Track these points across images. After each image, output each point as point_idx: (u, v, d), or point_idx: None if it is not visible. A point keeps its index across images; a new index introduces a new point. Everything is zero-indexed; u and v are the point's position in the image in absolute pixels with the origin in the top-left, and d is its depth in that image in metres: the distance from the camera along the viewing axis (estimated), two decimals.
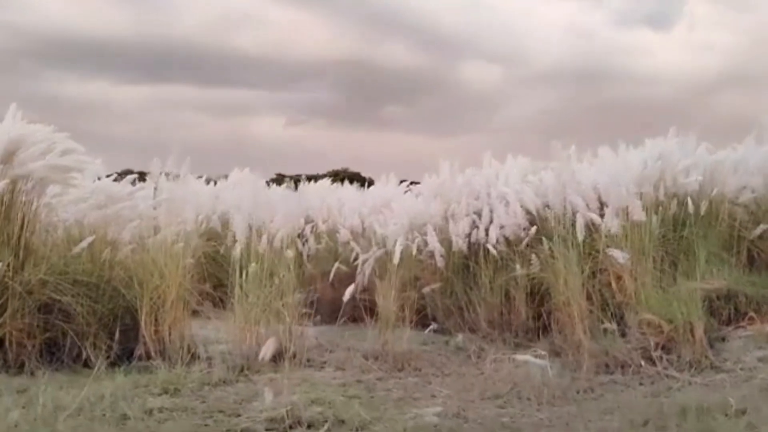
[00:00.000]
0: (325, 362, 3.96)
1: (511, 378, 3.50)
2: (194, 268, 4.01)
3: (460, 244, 5.66)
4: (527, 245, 5.23)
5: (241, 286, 3.91)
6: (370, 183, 8.97)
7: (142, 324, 3.78)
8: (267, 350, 3.05)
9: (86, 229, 3.89)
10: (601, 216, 4.63)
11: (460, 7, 18.10)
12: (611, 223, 4.53)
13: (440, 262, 5.65)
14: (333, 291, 5.46)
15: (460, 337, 4.72)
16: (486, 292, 5.30)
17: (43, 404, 2.71)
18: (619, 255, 4.32)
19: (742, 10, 17.16)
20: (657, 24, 19.00)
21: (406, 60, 17.63)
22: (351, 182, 9.11)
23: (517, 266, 4.90)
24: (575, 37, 17.93)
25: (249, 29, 18.15)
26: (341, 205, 7.01)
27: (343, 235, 6.34)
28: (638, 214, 4.50)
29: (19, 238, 3.62)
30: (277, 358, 3.84)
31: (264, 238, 4.07)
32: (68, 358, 3.69)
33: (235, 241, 4.02)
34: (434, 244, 5.56)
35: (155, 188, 4.19)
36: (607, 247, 4.48)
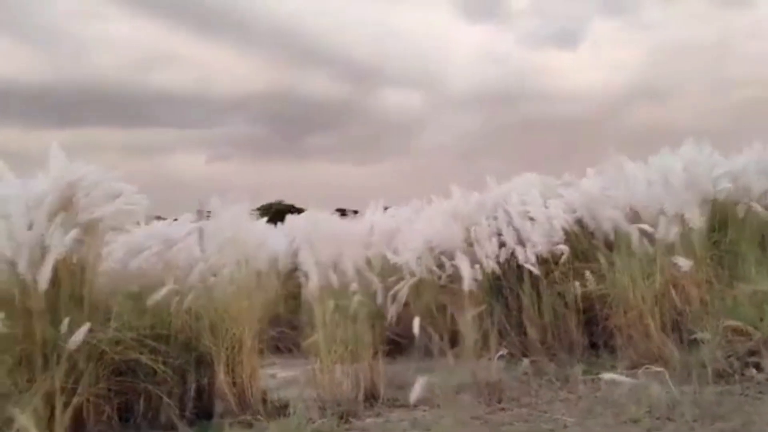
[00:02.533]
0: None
1: (624, 398, 3.37)
2: (265, 310, 3.70)
3: (491, 266, 5.55)
4: (564, 263, 5.19)
5: (319, 326, 3.63)
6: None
7: (221, 376, 3.43)
8: (416, 391, 2.79)
9: (147, 277, 3.52)
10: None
11: (377, 37, 18.47)
12: (666, 232, 4.51)
13: (472, 286, 5.53)
14: None
15: (525, 361, 4.56)
16: (533, 312, 5.21)
17: None
18: (683, 263, 4.28)
19: (641, 28, 18.25)
20: (564, 44, 19.98)
21: (326, 90, 17.77)
22: (283, 215, 8.68)
23: (577, 283, 4.78)
24: (489, 60, 18.64)
25: (167, 68, 17.80)
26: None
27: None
28: (697, 221, 4.49)
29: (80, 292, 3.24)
30: (368, 400, 3.61)
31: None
32: (144, 421, 3.31)
33: (304, 278, 3.74)
34: (465, 267, 5.43)
35: (202, 228, 3.87)
36: (666, 255, 4.45)
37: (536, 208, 5.61)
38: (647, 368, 3.51)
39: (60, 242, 2.94)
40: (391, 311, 5.01)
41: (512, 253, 5.53)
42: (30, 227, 2.98)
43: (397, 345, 4.99)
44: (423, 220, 6.42)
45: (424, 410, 3.57)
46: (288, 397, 3.72)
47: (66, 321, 2.89)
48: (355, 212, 7.53)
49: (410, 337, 5.08)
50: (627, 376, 3.50)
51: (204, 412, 3.49)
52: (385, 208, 7.33)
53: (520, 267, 5.44)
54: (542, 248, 5.32)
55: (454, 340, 5.61)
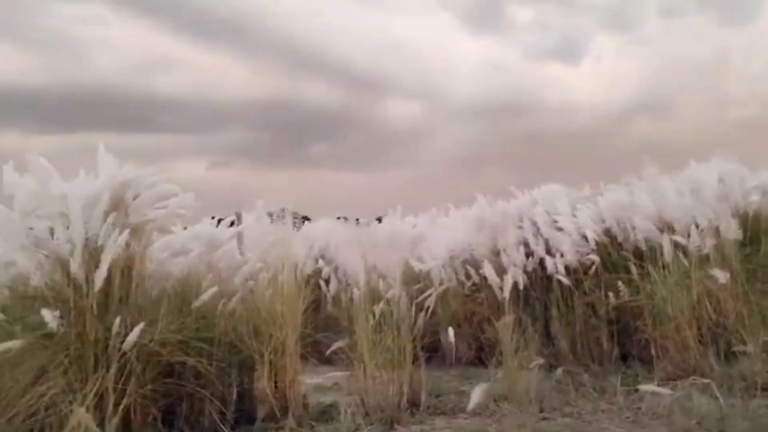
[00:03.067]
0: (452, 408, 3.69)
1: (667, 410, 3.36)
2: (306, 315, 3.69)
3: (519, 275, 5.54)
4: (594, 273, 5.19)
5: (362, 332, 3.61)
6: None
7: (264, 380, 3.42)
8: (474, 398, 2.79)
9: (190, 279, 3.51)
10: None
11: (379, 46, 18.43)
12: (701, 244, 4.50)
13: (499, 295, 5.52)
14: None
15: (559, 371, 4.54)
16: (562, 323, 5.19)
17: None
18: (720, 275, 4.27)
19: (643, 43, 18.26)
20: (567, 58, 20.05)
21: (328, 99, 17.67)
22: None
23: (611, 294, 4.77)
24: (491, 72, 18.57)
25: (168, 73, 17.73)
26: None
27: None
28: (733, 233, 4.48)
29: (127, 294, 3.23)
30: (410, 407, 3.60)
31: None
32: (186, 424, 3.30)
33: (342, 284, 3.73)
34: (492, 276, 5.42)
35: (241, 232, 3.87)
36: (701, 267, 4.44)
37: (565, 218, 5.60)
38: (694, 380, 3.49)
39: (114, 242, 2.93)
40: (420, 319, 5.02)
41: (540, 263, 5.55)
42: (86, 226, 2.96)
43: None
44: (447, 228, 6.42)
45: (465, 418, 3.55)
46: (323, 403, 3.70)
47: (118, 321, 2.88)
48: (357, 221, 7.50)
49: (435, 346, 5.12)
50: (664, 387, 3.52)
51: (244, 415, 3.46)
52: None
53: (549, 277, 5.43)
54: (572, 258, 5.31)
55: (481, 348, 5.63)
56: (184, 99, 17.37)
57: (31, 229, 3.04)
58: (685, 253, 4.57)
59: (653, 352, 4.38)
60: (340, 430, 3.09)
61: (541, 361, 4.62)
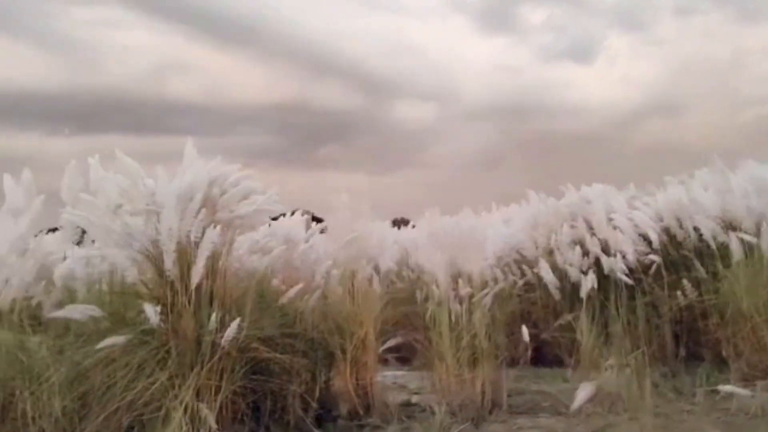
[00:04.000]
0: (531, 408, 3.66)
1: (760, 410, 3.31)
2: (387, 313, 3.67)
3: (575, 275, 5.49)
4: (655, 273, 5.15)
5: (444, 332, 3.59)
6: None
7: (347, 376, 3.40)
8: (582, 395, 2.75)
9: (270, 277, 3.50)
10: None
11: (391, 49, 18.45)
12: None
13: (557, 295, 5.49)
14: None
15: (628, 370, 4.49)
16: (624, 323, 5.13)
17: None
18: None
19: (657, 44, 18.10)
20: (579, 58, 19.94)
21: (341, 102, 17.68)
22: None
23: (678, 293, 4.72)
24: (504, 73, 18.51)
25: (182, 77, 17.82)
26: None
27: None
28: None
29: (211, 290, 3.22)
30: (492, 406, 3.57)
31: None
32: (270, 420, 3.28)
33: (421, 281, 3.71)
34: (548, 276, 5.39)
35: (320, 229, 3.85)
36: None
37: (621, 217, 5.54)
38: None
39: (209, 239, 2.92)
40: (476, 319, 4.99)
41: (595, 262, 5.50)
42: (180, 223, 2.96)
43: None
44: (496, 226, 6.37)
45: (547, 417, 3.52)
46: (401, 401, 3.69)
47: (213, 317, 2.88)
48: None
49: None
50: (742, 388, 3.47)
51: (324, 413, 3.45)
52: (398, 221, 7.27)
53: (606, 276, 5.38)
54: (632, 258, 5.25)
55: (536, 349, 5.58)
56: (199, 102, 17.47)
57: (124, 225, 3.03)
58: (752, 251, 4.51)
59: (725, 352, 4.32)
60: (431, 428, 3.04)
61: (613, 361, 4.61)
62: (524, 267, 5.84)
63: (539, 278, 5.61)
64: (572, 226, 5.86)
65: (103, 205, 3.09)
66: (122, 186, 3.10)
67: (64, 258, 3.18)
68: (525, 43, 19.77)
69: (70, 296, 3.11)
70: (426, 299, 3.80)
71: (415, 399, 3.68)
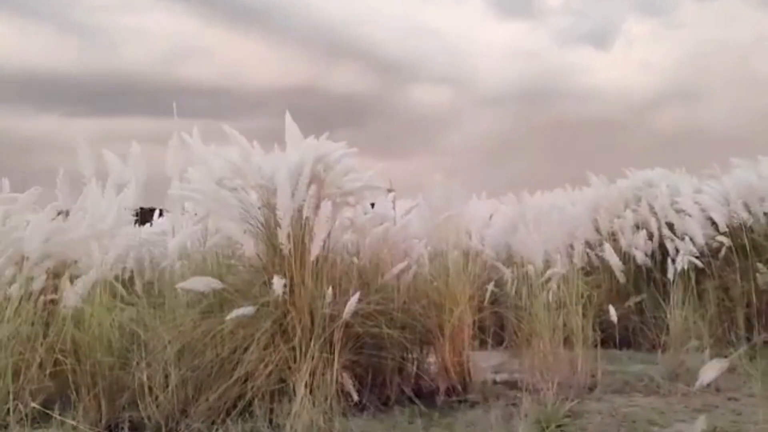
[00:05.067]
0: (622, 387, 3.67)
1: None
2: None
3: (641, 258, 5.49)
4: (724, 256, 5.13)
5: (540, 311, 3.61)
6: None
7: (446, 353, 3.43)
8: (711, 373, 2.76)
9: (367, 254, 3.53)
10: None
11: (408, 32, 18.27)
12: None
13: (621, 278, 5.48)
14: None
15: (707, 352, 4.49)
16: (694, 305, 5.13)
17: None
18: None
19: (676, 28, 17.83)
20: (597, 43, 19.69)
21: (355, 86, 17.56)
22: None
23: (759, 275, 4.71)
24: (521, 58, 18.30)
25: (197, 60, 17.82)
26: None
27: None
28: None
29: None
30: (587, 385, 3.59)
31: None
32: (371, 395, 3.31)
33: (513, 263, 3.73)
34: (613, 259, 5.36)
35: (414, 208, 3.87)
36: None
37: (687, 200, 5.52)
38: None
39: (325, 214, 2.95)
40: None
41: (660, 246, 5.49)
42: (292, 197, 2.99)
43: None
44: (559, 208, 6.36)
45: (642, 397, 3.53)
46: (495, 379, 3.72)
47: (329, 292, 2.92)
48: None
49: None
50: None
51: (422, 389, 3.48)
52: None
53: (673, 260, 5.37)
54: (700, 241, 5.23)
55: (602, 330, 5.57)
56: (214, 85, 17.47)
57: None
58: None
59: None
60: (541, 405, 3.05)
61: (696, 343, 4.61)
62: (588, 251, 5.82)
63: (602, 261, 5.60)
64: (634, 210, 5.85)
65: (213, 180, 3.12)
66: (234, 162, 3.13)
67: (173, 232, 3.20)
68: (543, 27, 19.57)
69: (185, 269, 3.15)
70: (516, 279, 3.82)
71: (504, 377, 3.70)
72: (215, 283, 2.84)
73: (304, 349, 2.87)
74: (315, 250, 2.90)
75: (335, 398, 2.89)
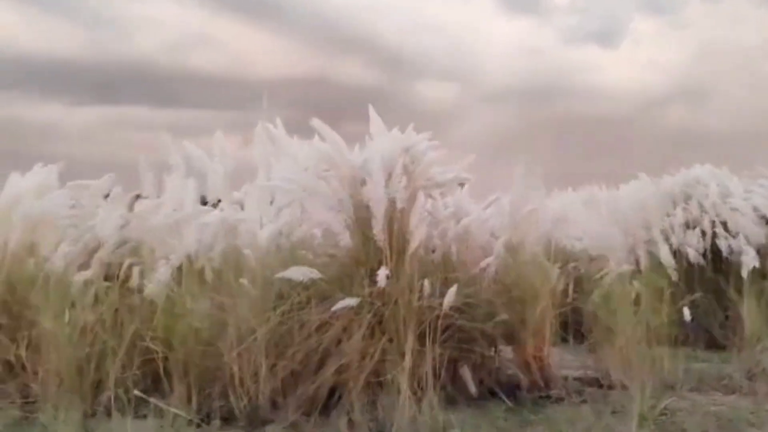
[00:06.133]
0: (698, 386, 3.64)
1: None
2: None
3: (694, 256, 5.45)
4: None
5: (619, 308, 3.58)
6: None
7: (527, 349, 3.41)
8: None
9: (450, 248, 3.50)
10: None
11: (414, 27, 18.25)
12: None
13: (674, 276, 5.43)
14: None
15: None
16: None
17: None
18: None
19: (683, 27, 17.78)
20: (604, 42, 19.69)
21: (361, 79, 17.54)
22: None
23: None
24: (527, 55, 18.26)
25: (205, 49, 17.80)
26: None
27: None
28: None
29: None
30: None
31: None
32: (453, 388, 3.28)
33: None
34: (667, 257, 5.32)
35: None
36: None
37: (738, 199, 5.49)
38: None
39: (421, 205, 2.92)
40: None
41: (711, 245, 5.46)
42: (386, 187, 2.96)
43: None
44: (608, 205, 6.32)
45: (722, 395, 3.51)
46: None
47: (427, 282, 2.89)
48: None
49: None
50: None
51: (501, 384, 3.45)
52: None
53: (722, 259, 5.34)
54: (758, 239, 5.20)
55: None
56: (221, 76, 17.45)
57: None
58: None
59: None
60: (633, 402, 3.01)
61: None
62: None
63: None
64: (684, 208, 5.82)
65: (306, 170, 3.10)
66: (326, 153, 3.10)
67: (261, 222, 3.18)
68: (549, 25, 19.54)
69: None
70: (592, 275, 3.79)
71: (580, 374, 3.68)
72: (313, 273, 2.81)
73: (402, 342, 2.83)
74: (415, 241, 2.88)
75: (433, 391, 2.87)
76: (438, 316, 3.01)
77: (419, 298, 2.91)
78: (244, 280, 3.03)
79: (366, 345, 2.85)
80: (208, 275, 3.17)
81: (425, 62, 18.24)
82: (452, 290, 2.83)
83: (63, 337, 3.14)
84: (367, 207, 2.98)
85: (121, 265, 3.56)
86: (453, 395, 3.12)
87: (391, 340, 2.88)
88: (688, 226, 5.65)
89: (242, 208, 3.31)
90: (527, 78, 17.61)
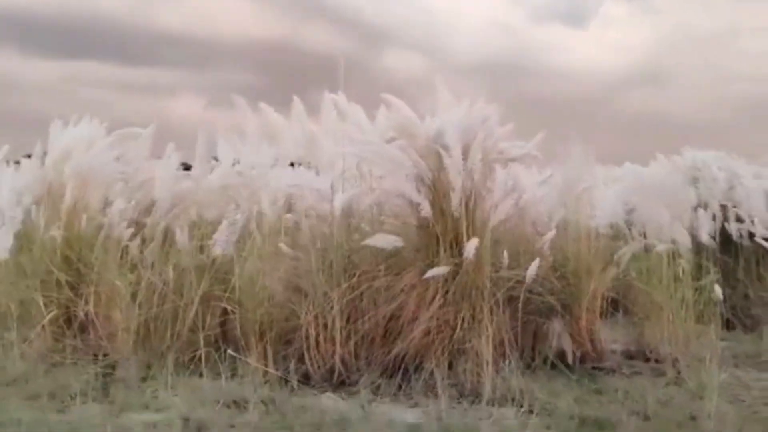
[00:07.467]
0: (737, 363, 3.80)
1: None
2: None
3: (706, 238, 5.60)
4: None
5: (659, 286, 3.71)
6: None
7: (580, 323, 3.51)
8: None
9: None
10: None
11: None
12: None
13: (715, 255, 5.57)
14: None
15: None
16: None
17: None
18: None
19: (652, 12, 18.14)
20: (573, 22, 19.98)
21: (329, 45, 17.45)
22: None
23: None
24: (496, 31, 18.42)
25: (172, 8, 17.42)
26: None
27: None
28: None
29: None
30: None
31: None
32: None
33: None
34: (683, 239, 5.46)
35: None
36: None
37: (748, 182, 5.64)
38: None
39: (502, 179, 2.98)
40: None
41: (722, 227, 5.62)
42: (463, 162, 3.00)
43: None
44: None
45: (757, 372, 3.67)
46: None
47: (506, 254, 2.97)
48: None
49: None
50: None
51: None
52: None
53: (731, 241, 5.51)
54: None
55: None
56: (186, 34, 17.11)
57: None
58: None
59: None
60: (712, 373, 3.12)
61: None
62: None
63: None
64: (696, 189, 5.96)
65: (380, 138, 3.12)
66: (400, 122, 3.12)
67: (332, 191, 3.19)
68: (519, 2, 19.63)
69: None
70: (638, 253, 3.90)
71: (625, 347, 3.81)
72: (398, 242, 2.86)
73: (480, 311, 2.91)
74: (496, 217, 2.94)
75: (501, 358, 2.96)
76: (511, 287, 3.10)
77: (497, 270, 2.97)
78: (318, 245, 3.05)
79: (444, 312, 2.91)
80: (283, 240, 3.17)
81: (395, 33, 18.14)
82: (535, 263, 2.90)
83: (128, 295, 3.15)
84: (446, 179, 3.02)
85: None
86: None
87: (473, 309, 2.94)
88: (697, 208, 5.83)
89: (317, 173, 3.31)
90: (495, 54, 17.67)
